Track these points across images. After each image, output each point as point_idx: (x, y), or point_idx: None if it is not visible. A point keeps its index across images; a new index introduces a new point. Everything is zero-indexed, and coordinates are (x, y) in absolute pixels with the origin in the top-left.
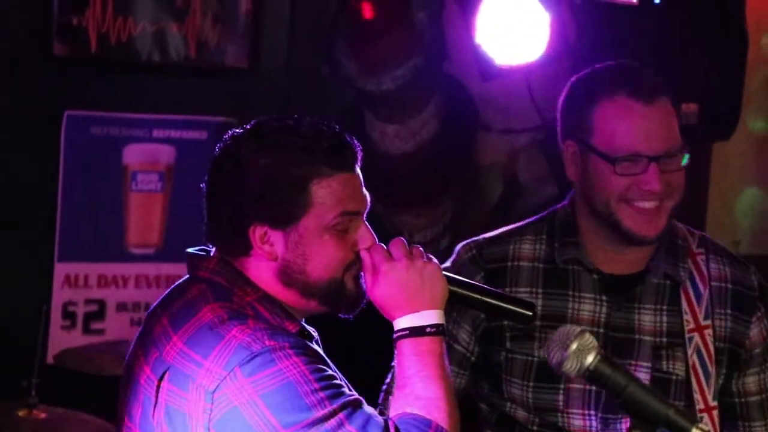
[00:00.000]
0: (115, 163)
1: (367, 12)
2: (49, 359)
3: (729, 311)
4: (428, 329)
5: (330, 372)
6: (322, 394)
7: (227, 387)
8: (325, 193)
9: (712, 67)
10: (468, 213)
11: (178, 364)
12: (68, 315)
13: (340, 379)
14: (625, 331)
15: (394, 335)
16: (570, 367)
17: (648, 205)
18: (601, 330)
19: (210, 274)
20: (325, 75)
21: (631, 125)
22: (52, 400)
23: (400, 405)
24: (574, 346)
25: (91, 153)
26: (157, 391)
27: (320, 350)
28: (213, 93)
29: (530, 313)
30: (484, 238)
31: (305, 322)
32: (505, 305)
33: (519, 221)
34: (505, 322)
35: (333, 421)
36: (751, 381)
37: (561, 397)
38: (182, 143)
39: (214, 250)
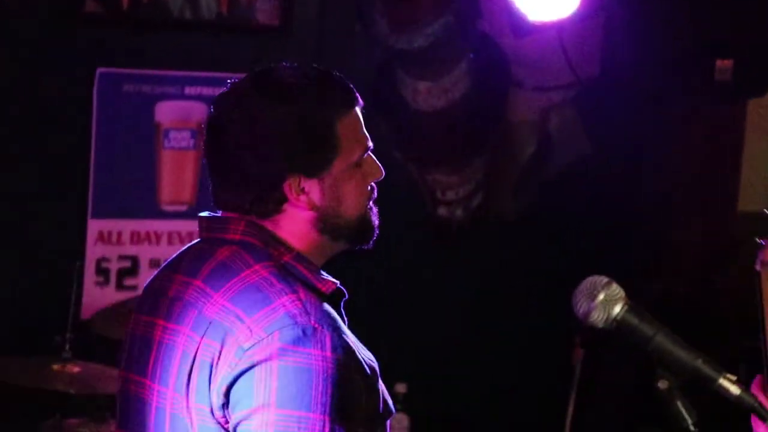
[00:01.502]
0: (147, 121)
1: None
2: (83, 315)
3: None
4: None
5: (353, 387)
6: (329, 402)
7: (259, 347)
8: (348, 131)
9: (747, 23)
10: (500, 171)
11: (221, 318)
12: (102, 271)
13: (358, 403)
14: None
15: None
16: (597, 317)
17: None
18: None
19: (241, 235)
20: (356, 32)
21: None
22: (85, 356)
23: None
24: (601, 296)
25: (123, 110)
26: (198, 349)
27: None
28: (244, 50)
29: None
30: None
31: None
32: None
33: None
34: None
35: (317, 428)
36: None
37: None
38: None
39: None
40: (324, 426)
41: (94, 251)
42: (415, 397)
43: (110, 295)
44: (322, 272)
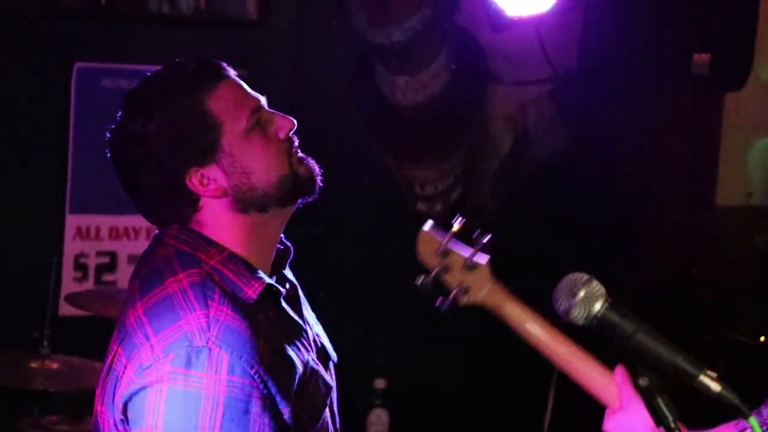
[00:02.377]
0: None
1: None
2: (61, 311)
3: None
4: None
5: (248, 419)
6: (216, 426)
7: (154, 368)
8: (222, 104)
9: (724, 18)
10: (478, 165)
11: (132, 330)
12: (80, 267)
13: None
14: None
15: None
16: (578, 314)
17: None
18: None
19: (174, 241)
20: (335, 26)
21: None
22: (63, 351)
23: None
24: (581, 293)
25: (101, 105)
26: (113, 357)
27: (289, 310)
28: (223, 45)
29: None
30: None
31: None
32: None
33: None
34: None
35: None
36: None
37: None
38: None
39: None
40: None
41: (72, 247)
42: (394, 393)
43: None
44: (259, 272)
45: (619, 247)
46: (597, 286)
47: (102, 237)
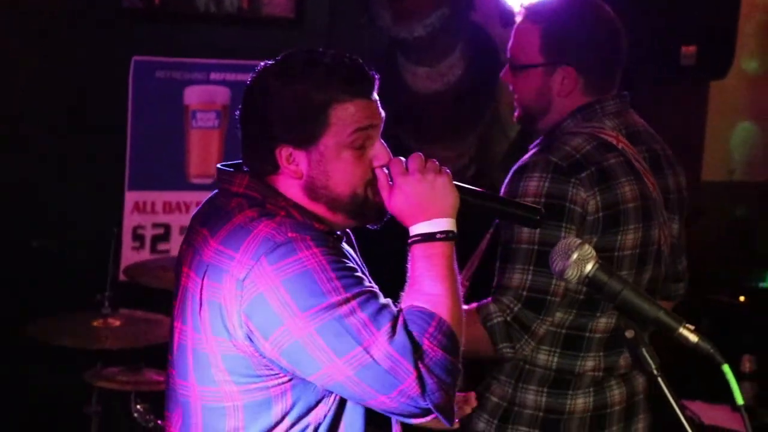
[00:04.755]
0: (177, 103)
1: None
2: (121, 276)
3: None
4: (438, 235)
5: (350, 264)
6: (337, 283)
7: (254, 275)
8: (342, 115)
9: (709, 13)
10: (490, 146)
11: (215, 261)
12: (137, 237)
13: (361, 273)
14: None
15: (409, 240)
16: (571, 274)
17: None
18: None
19: (244, 189)
20: (363, 24)
21: None
22: (122, 312)
23: (409, 300)
24: (574, 255)
25: (155, 94)
26: (201, 290)
27: (348, 249)
28: (263, 40)
29: (536, 217)
30: None
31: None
32: (512, 210)
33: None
34: None
35: (346, 308)
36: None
37: None
38: (236, 85)
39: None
40: (349, 300)
41: (130, 219)
42: None
43: (145, 259)
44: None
45: None
46: (588, 250)
47: (157, 211)
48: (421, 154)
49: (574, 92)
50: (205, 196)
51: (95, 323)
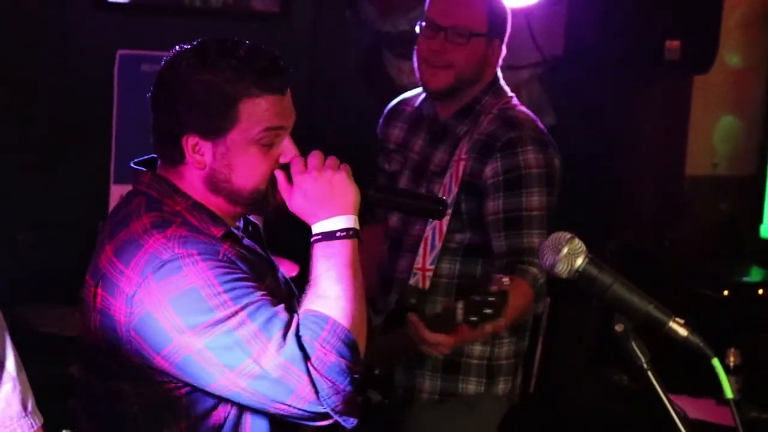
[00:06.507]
0: None
1: None
2: None
3: (475, 154)
4: (338, 233)
5: (238, 275)
6: (225, 296)
7: (142, 292)
8: (252, 111)
9: (693, 8)
10: None
11: (108, 272)
12: None
13: (252, 282)
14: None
15: (311, 239)
16: (561, 268)
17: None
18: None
19: (145, 187)
20: (348, 18)
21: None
22: None
23: (307, 302)
24: (565, 250)
25: (141, 88)
26: (94, 297)
27: (247, 251)
28: (248, 35)
29: (440, 208)
30: None
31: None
32: (417, 203)
33: None
34: None
35: (235, 320)
36: (488, 205)
37: None
38: None
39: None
40: (237, 312)
41: None
42: None
43: None
44: (221, 219)
45: (600, 212)
46: (579, 244)
47: None
48: (319, 151)
49: (496, 65)
50: None
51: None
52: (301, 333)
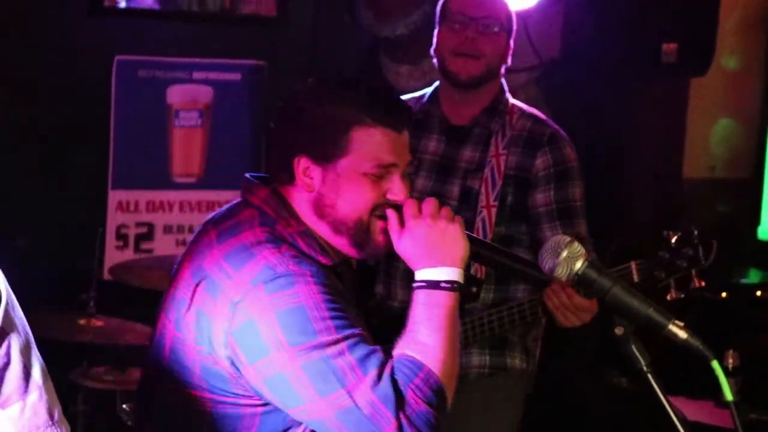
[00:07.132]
0: (159, 102)
1: None
2: (105, 275)
3: (520, 149)
4: (443, 284)
5: (342, 305)
6: (330, 323)
7: (249, 300)
8: (364, 141)
9: (690, 11)
10: None
11: (214, 274)
12: (121, 236)
13: (354, 316)
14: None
15: (414, 284)
16: (561, 272)
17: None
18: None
19: (260, 202)
20: (346, 22)
21: None
22: (107, 311)
23: (403, 346)
24: (564, 253)
25: (138, 93)
26: (192, 295)
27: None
28: (246, 39)
29: (542, 276)
30: None
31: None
32: (521, 267)
33: None
34: None
35: (335, 349)
36: (538, 197)
37: None
38: (219, 84)
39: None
40: (339, 341)
41: (114, 219)
42: None
43: (129, 258)
44: (328, 252)
45: (599, 214)
46: (578, 247)
47: (140, 210)
48: (435, 199)
49: (507, 63)
50: (189, 195)
51: (81, 321)
52: (395, 375)
